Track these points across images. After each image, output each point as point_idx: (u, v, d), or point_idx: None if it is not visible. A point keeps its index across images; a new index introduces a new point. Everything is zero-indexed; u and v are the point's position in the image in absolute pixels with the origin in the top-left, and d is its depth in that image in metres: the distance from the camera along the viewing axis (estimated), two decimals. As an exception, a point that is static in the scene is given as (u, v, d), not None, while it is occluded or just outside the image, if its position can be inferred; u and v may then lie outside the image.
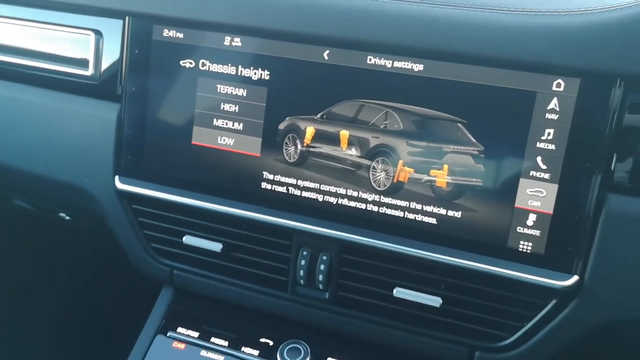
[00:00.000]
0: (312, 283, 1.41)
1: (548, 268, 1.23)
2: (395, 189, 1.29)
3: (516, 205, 1.22)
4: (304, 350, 1.44)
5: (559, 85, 1.16)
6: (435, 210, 1.27)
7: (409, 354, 1.42)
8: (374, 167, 1.30)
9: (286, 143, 1.35)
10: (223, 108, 1.38)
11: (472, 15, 1.20)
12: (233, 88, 1.37)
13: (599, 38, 1.13)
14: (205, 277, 1.52)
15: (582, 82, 1.15)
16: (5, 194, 2.01)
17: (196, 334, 1.50)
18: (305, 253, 1.39)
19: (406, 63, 1.25)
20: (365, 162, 1.31)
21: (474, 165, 1.23)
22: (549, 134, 1.18)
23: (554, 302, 1.26)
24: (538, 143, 1.19)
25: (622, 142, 1.17)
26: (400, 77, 1.25)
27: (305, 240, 1.39)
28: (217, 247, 1.45)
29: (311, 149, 1.34)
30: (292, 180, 1.36)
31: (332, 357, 1.45)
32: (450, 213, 1.26)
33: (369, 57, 1.27)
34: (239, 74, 1.36)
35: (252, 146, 1.38)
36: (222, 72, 1.37)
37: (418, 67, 1.24)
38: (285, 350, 1.44)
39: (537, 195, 1.21)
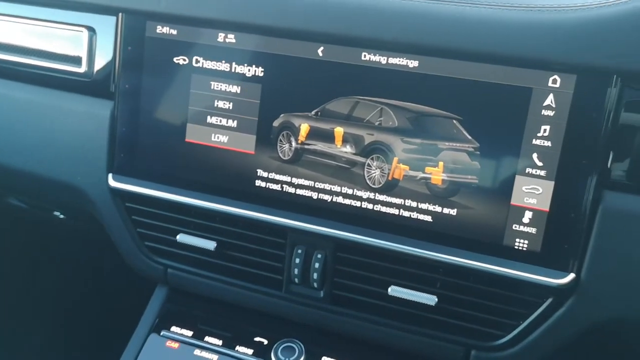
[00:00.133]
0: (306, 281, 1.40)
1: (544, 266, 1.22)
2: (390, 187, 1.28)
3: (512, 202, 1.21)
4: (298, 349, 1.43)
5: (555, 81, 1.15)
6: (431, 207, 1.26)
7: (404, 353, 1.42)
8: (368, 165, 1.29)
9: (280, 140, 1.34)
10: (217, 105, 1.37)
11: (468, 11, 1.19)
12: (227, 85, 1.36)
13: (596, 34, 1.12)
14: (199, 275, 1.51)
15: (578, 78, 1.14)
16: (-2, 192, 2.00)
17: (190, 333, 1.49)
18: (299, 251, 1.38)
19: (401, 59, 1.24)
20: (360, 159, 1.30)
21: (469, 162, 1.22)
22: (545, 130, 1.17)
23: (550, 300, 1.25)
24: (534, 140, 1.18)
25: (619, 139, 1.16)
26: (395, 74, 1.24)
27: (299, 239, 1.38)
28: (211, 245, 1.44)
29: (306, 146, 1.33)
30: (287, 178, 1.35)
31: (327, 356, 1.44)
32: (446, 211, 1.25)
33: (363, 54, 1.26)
34: (233, 70, 1.35)
35: (246, 143, 1.37)
36: (215, 69, 1.36)
37: (413, 64, 1.23)
38: (280, 349, 1.43)
39: (533, 193, 1.20)
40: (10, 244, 2.19)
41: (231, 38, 1.34)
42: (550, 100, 1.16)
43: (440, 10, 1.21)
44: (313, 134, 1.32)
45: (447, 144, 1.23)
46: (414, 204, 1.27)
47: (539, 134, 1.17)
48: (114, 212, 1.53)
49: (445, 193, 1.25)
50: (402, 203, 1.28)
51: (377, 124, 1.27)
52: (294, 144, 1.33)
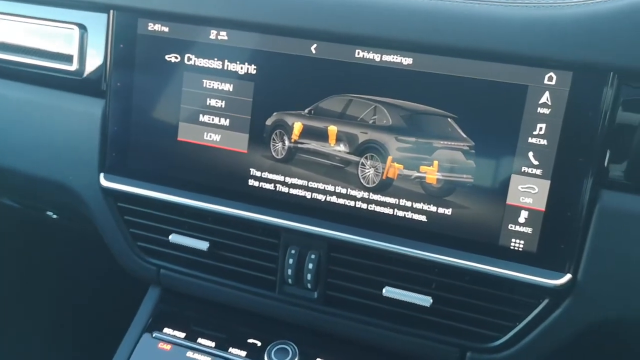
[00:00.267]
0: (300, 282, 1.38)
1: (540, 266, 1.20)
2: (384, 186, 1.27)
3: (508, 202, 1.20)
4: (292, 351, 1.42)
5: (550, 78, 1.14)
6: (426, 207, 1.25)
7: (399, 355, 1.40)
8: (362, 164, 1.28)
9: (273, 139, 1.32)
10: (209, 104, 1.36)
11: (462, 8, 1.18)
12: (219, 83, 1.35)
13: (592, 30, 1.11)
14: (192, 276, 1.50)
15: (574, 75, 1.13)
16: (-10, 191, 1.99)
17: (182, 335, 1.48)
18: (293, 252, 1.37)
19: (395, 57, 1.22)
20: (354, 158, 1.28)
21: (464, 161, 1.20)
22: (540, 129, 1.15)
23: (546, 301, 1.23)
24: (530, 138, 1.16)
25: (616, 137, 1.14)
26: (389, 71, 1.23)
27: (293, 239, 1.37)
28: (203, 245, 1.43)
29: (299, 145, 1.31)
30: (280, 177, 1.33)
31: (321, 358, 1.43)
32: (441, 210, 1.24)
33: (357, 51, 1.24)
34: (225, 68, 1.34)
35: (239, 142, 1.35)
36: (208, 67, 1.35)
37: (407, 61, 1.21)
38: (273, 351, 1.42)
39: (529, 192, 1.18)
40: (3, 243, 2.18)
41: (223, 35, 1.33)
42: (546, 97, 1.14)
43: (434, 7, 1.19)
44: (306, 133, 1.30)
45: (441, 142, 1.21)
46: (408, 204, 1.26)
47: (534, 132, 1.16)
48: (106, 212, 1.52)
49: (440, 192, 1.23)
50: (397, 202, 1.26)
51: (371, 122, 1.25)
52: (287, 142, 1.32)
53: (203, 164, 1.39)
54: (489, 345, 1.30)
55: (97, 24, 1.46)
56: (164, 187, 1.43)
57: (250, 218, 1.37)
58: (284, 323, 1.47)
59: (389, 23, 1.21)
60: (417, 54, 1.21)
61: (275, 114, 1.31)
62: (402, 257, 1.28)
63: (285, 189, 1.34)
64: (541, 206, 1.18)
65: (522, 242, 1.20)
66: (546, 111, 1.14)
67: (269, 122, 1.32)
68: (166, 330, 1.49)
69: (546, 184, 1.17)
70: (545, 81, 1.14)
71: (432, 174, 1.23)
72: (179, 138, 1.39)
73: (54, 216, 2.00)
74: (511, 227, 1.20)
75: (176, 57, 1.37)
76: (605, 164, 1.15)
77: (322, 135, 1.29)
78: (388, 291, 1.31)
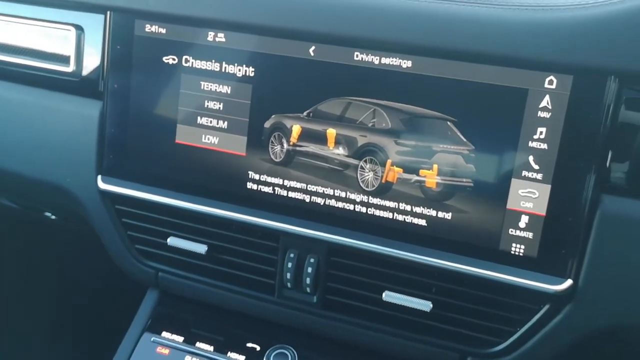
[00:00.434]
0: (299, 286, 1.37)
1: (541, 272, 1.19)
2: (383, 190, 1.26)
3: (508, 206, 1.18)
4: (291, 356, 1.42)
5: (551, 82, 1.12)
6: (425, 211, 1.24)
7: None
8: (361, 167, 1.26)
9: (272, 142, 1.31)
10: (207, 106, 1.35)
11: (462, 10, 1.16)
12: (217, 85, 1.33)
13: (592, 33, 1.09)
14: (190, 279, 1.49)
15: (575, 79, 1.11)
16: (-13, 192, 1.98)
17: (181, 339, 1.47)
18: (292, 255, 1.36)
19: (394, 59, 1.21)
20: (353, 161, 1.27)
21: (464, 165, 1.19)
22: (541, 132, 1.14)
23: (547, 306, 1.22)
24: (530, 142, 1.15)
25: (617, 142, 1.13)
26: (388, 74, 1.22)
27: (292, 242, 1.36)
28: (202, 249, 1.42)
29: (297, 148, 1.30)
30: (279, 180, 1.32)
31: (320, 363, 1.42)
32: (441, 214, 1.23)
33: (356, 53, 1.23)
34: (223, 70, 1.32)
35: (237, 145, 1.34)
36: (205, 69, 1.34)
37: (406, 64, 1.20)
38: (272, 356, 1.42)
39: (529, 197, 1.17)
40: (2, 243, 2.17)
41: (221, 37, 1.32)
42: (546, 101, 1.13)
43: (434, 9, 1.18)
44: (305, 136, 1.29)
45: (441, 146, 1.20)
46: (408, 208, 1.25)
47: (535, 137, 1.14)
48: (104, 214, 1.51)
49: (439, 196, 1.22)
50: (396, 206, 1.25)
51: (370, 125, 1.24)
52: (285, 145, 1.31)
53: (201, 167, 1.38)
54: (489, 350, 1.29)
55: (94, 25, 1.45)
56: (161, 190, 1.42)
57: (248, 221, 1.36)
58: (282, 327, 1.46)
59: (388, 25, 1.20)
60: (416, 57, 1.20)
61: (273, 116, 1.30)
62: (401, 262, 1.27)
63: (284, 192, 1.33)
64: (542, 211, 1.17)
65: (522, 247, 1.19)
66: (546, 115, 1.13)
67: (267, 124, 1.31)
68: (164, 334, 1.49)
69: (547, 188, 1.16)
70: (546, 85, 1.12)
71: (431, 177, 1.22)
72: (177, 140, 1.38)
73: (52, 217, 2.00)
74: (512, 231, 1.19)
75: (174, 59, 1.36)
76: (607, 168, 1.14)
77: (321, 138, 1.28)
78: (388, 296, 1.30)
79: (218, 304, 1.50)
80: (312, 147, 1.29)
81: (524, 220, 1.18)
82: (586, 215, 1.15)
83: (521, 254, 1.19)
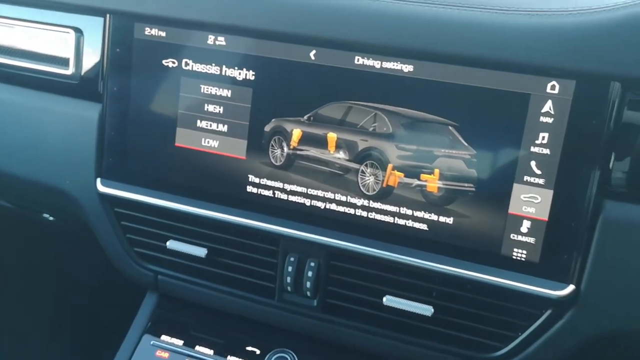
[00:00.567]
0: (299, 290, 1.37)
1: (543, 277, 1.19)
2: (384, 194, 1.25)
3: (510, 211, 1.18)
4: (291, 359, 1.40)
5: (553, 87, 1.12)
6: (427, 216, 1.23)
7: (399, 364, 1.39)
8: (362, 171, 1.26)
9: (272, 145, 1.31)
10: (207, 109, 1.34)
11: (464, 15, 1.16)
12: (217, 88, 1.33)
13: (595, 39, 1.09)
14: (190, 282, 1.49)
15: (577, 84, 1.11)
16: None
17: (180, 342, 1.47)
18: (292, 259, 1.35)
19: (395, 64, 1.20)
20: (354, 165, 1.26)
21: (466, 169, 1.19)
22: (543, 137, 1.14)
23: (549, 312, 1.22)
24: (532, 147, 1.14)
25: (619, 147, 1.13)
26: (390, 78, 1.21)
27: (292, 246, 1.35)
28: (201, 252, 1.41)
29: (298, 152, 1.30)
30: (279, 184, 1.32)
31: (320, 367, 1.42)
32: (442, 219, 1.22)
33: (356, 58, 1.22)
34: (223, 74, 1.32)
35: (237, 148, 1.34)
36: (205, 72, 1.33)
37: (408, 68, 1.20)
38: (273, 359, 1.41)
39: (531, 202, 1.16)
40: (2, 243, 2.16)
41: (221, 40, 1.31)
42: (548, 106, 1.12)
43: (435, 14, 1.17)
44: (305, 140, 1.29)
45: (442, 150, 1.20)
46: (409, 212, 1.24)
47: (537, 142, 1.14)
48: (103, 217, 1.50)
49: (441, 201, 1.22)
50: (397, 211, 1.25)
51: (371, 129, 1.24)
52: (286, 149, 1.30)
53: (201, 170, 1.37)
54: (490, 355, 1.28)
55: (94, 28, 1.44)
56: (161, 193, 1.42)
57: (248, 225, 1.35)
58: (283, 331, 1.46)
59: (389, 30, 1.20)
60: (417, 61, 1.19)
61: (274, 120, 1.30)
62: (402, 266, 1.27)
63: (284, 196, 1.32)
64: (544, 216, 1.16)
65: (524, 252, 1.19)
66: (549, 120, 1.13)
67: (267, 128, 1.31)
68: (164, 337, 1.48)
69: (549, 193, 1.15)
70: (548, 90, 1.12)
71: (433, 182, 1.22)
72: (177, 144, 1.38)
73: (50, 218, 1.99)
74: (513, 236, 1.19)
75: (173, 62, 1.35)
76: (609, 173, 1.14)
77: (322, 142, 1.28)
78: (388, 300, 1.29)
79: (218, 308, 1.50)
80: (312, 151, 1.29)
81: (526, 225, 1.18)
82: (588, 220, 1.15)
83: (523, 259, 1.19)
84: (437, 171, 1.21)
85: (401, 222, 1.25)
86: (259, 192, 1.34)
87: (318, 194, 1.30)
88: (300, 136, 1.29)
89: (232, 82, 1.32)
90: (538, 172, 1.15)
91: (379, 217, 1.27)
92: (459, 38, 1.16)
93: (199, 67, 1.34)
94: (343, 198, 1.28)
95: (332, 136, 1.27)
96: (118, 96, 1.41)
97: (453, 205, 1.21)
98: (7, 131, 1.56)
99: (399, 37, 1.19)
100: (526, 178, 1.16)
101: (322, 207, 1.30)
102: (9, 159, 1.58)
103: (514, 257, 1.19)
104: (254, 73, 1.30)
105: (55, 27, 1.48)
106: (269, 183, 1.32)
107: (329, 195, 1.29)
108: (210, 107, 1.34)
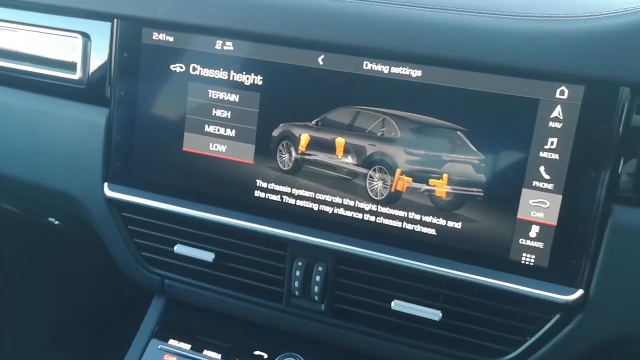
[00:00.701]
0: (307, 294, 1.37)
1: (552, 281, 1.19)
2: (393, 199, 1.25)
3: (518, 216, 1.18)
4: (299, 364, 1.41)
5: (562, 92, 1.12)
6: (435, 220, 1.23)
7: (407, 368, 1.39)
8: (370, 176, 1.26)
9: (280, 150, 1.31)
10: (215, 114, 1.34)
11: (473, 20, 1.16)
12: (225, 93, 1.33)
13: (604, 44, 1.09)
14: (197, 287, 1.49)
15: (586, 89, 1.11)
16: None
17: (188, 347, 1.47)
18: (300, 263, 1.35)
19: (404, 69, 1.20)
20: (362, 170, 1.27)
21: (474, 174, 1.19)
22: (552, 143, 1.14)
23: (557, 316, 1.22)
24: (541, 152, 1.15)
25: (628, 152, 1.13)
26: (398, 84, 1.21)
27: (300, 251, 1.35)
28: (209, 256, 1.41)
29: (306, 157, 1.30)
30: (287, 189, 1.32)
31: (328, 371, 1.42)
32: (450, 224, 1.22)
33: (365, 63, 1.23)
34: (231, 78, 1.32)
35: (245, 153, 1.34)
36: (213, 77, 1.33)
37: (416, 73, 1.20)
38: (280, 364, 1.42)
39: (540, 206, 1.17)
40: (4, 244, 2.16)
41: (229, 45, 1.31)
42: (557, 112, 1.13)
43: (444, 19, 1.17)
44: (313, 144, 1.29)
45: (451, 155, 1.20)
46: (417, 217, 1.24)
47: (546, 147, 1.14)
48: (110, 221, 1.50)
49: (449, 206, 1.22)
50: (405, 215, 1.25)
51: (379, 134, 1.24)
52: (294, 154, 1.30)
53: (208, 175, 1.37)
54: (499, 359, 1.28)
55: (101, 33, 1.44)
56: (168, 198, 1.42)
57: (256, 229, 1.36)
58: (290, 335, 1.46)
59: (398, 35, 1.20)
60: (426, 66, 1.19)
61: (281, 125, 1.30)
62: (411, 271, 1.27)
63: (292, 201, 1.32)
64: (553, 221, 1.16)
65: (533, 256, 1.19)
66: (558, 125, 1.13)
67: (275, 133, 1.31)
68: (171, 341, 1.48)
69: (558, 198, 1.15)
70: (557, 95, 1.12)
71: (441, 187, 1.22)
72: (184, 148, 1.38)
73: (56, 222, 1.99)
74: (522, 241, 1.19)
75: (181, 67, 1.35)
76: (618, 178, 1.14)
77: (330, 147, 1.28)
78: (397, 304, 1.29)
79: (225, 312, 1.50)
80: (320, 156, 1.29)
81: (534, 230, 1.18)
82: (597, 225, 1.15)
83: (532, 264, 1.19)
84: (445, 176, 1.21)
85: (409, 226, 1.25)
86: (266, 197, 1.34)
87: (326, 199, 1.30)
88: (308, 141, 1.29)
89: (240, 87, 1.32)
90: (547, 177, 1.15)
91: (387, 221, 1.27)
92: (468, 43, 1.16)
93: (206, 72, 1.34)
94: (351, 203, 1.28)
95: (340, 141, 1.27)
96: (125, 101, 1.41)
97: (461, 210, 1.21)
98: (14, 135, 1.56)
99: (407, 42, 1.19)
100: (535, 183, 1.16)
101: (330, 212, 1.30)
102: (16, 163, 1.58)
103: (523, 262, 1.20)
104: (261, 78, 1.30)
105: (62, 32, 1.48)
106: (277, 188, 1.33)
107: (337, 199, 1.29)
108: (218, 112, 1.34)
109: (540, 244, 1.18)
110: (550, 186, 1.15)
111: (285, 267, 1.37)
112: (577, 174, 1.14)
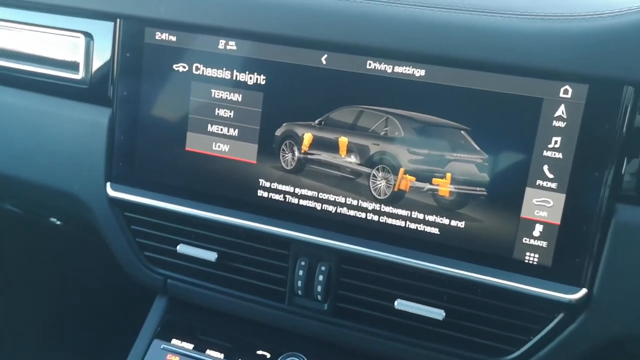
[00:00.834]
0: (310, 294, 1.37)
1: (555, 281, 1.19)
2: (396, 198, 1.25)
3: (522, 215, 1.18)
4: (302, 363, 1.41)
5: (566, 91, 1.12)
6: (438, 220, 1.23)
7: (411, 368, 1.39)
8: (374, 175, 1.26)
9: (283, 150, 1.31)
10: (218, 113, 1.34)
11: (476, 19, 1.16)
12: (228, 93, 1.33)
13: (608, 43, 1.09)
14: (200, 286, 1.49)
15: (590, 88, 1.11)
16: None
17: (191, 346, 1.47)
18: (303, 263, 1.35)
19: (407, 68, 1.20)
20: (365, 169, 1.27)
21: (478, 173, 1.19)
22: (556, 142, 1.14)
23: (561, 315, 1.22)
24: (545, 151, 1.15)
25: (632, 151, 1.13)
26: (401, 83, 1.21)
27: (303, 250, 1.35)
28: (212, 256, 1.41)
29: (309, 156, 1.30)
30: (290, 188, 1.32)
31: (331, 370, 1.42)
32: (454, 223, 1.22)
33: (368, 62, 1.22)
34: (234, 78, 1.32)
35: (248, 153, 1.34)
36: (216, 77, 1.33)
37: (419, 73, 1.20)
38: (283, 363, 1.42)
39: (543, 205, 1.17)
40: (7, 249, 2.16)
41: (232, 45, 1.31)
42: (561, 111, 1.13)
43: (447, 18, 1.17)
44: (316, 144, 1.29)
45: (454, 155, 1.20)
46: (420, 216, 1.24)
47: (549, 146, 1.14)
48: (113, 221, 1.50)
49: (453, 205, 1.22)
50: (409, 215, 1.25)
51: (382, 133, 1.24)
52: (297, 153, 1.30)
53: (211, 174, 1.37)
54: (502, 358, 1.28)
55: (104, 33, 1.44)
56: (171, 197, 1.42)
57: (259, 229, 1.35)
58: (293, 334, 1.46)
59: (401, 34, 1.20)
60: (429, 66, 1.19)
61: (284, 124, 1.30)
62: (414, 270, 1.27)
63: (295, 200, 1.32)
64: (556, 220, 1.16)
65: (536, 255, 1.19)
66: (561, 124, 1.13)
67: (278, 132, 1.31)
68: (174, 341, 1.48)
69: (561, 197, 1.15)
70: (561, 94, 1.12)
71: (444, 186, 1.22)
72: (187, 148, 1.38)
73: (57, 222, 1.99)
74: (525, 240, 1.19)
75: (184, 67, 1.35)
76: (621, 177, 1.14)
77: (333, 147, 1.28)
78: (400, 304, 1.29)
79: (227, 311, 1.50)
80: (323, 155, 1.29)
81: (538, 229, 1.18)
82: (601, 224, 1.15)
83: (535, 263, 1.19)
84: (449, 175, 1.21)
85: (413, 226, 1.25)
86: (269, 196, 1.34)
87: (329, 198, 1.30)
88: (311, 140, 1.29)
89: (243, 86, 1.32)
90: (550, 176, 1.15)
91: (390, 221, 1.27)
92: (471, 42, 1.16)
93: (209, 72, 1.34)
94: (354, 202, 1.28)
95: (343, 140, 1.27)
96: (128, 101, 1.41)
97: (465, 209, 1.21)
98: (17, 135, 1.56)
99: (411, 41, 1.19)
100: (538, 182, 1.16)
101: (333, 211, 1.30)
102: (19, 163, 1.58)
103: (526, 261, 1.20)
104: (264, 77, 1.30)
105: (65, 32, 1.48)
106: (280, 187, 1.33)
107: (340, 199, 1.29)
108: (221, 112, 1.34)
109: (543, 243, 1.18)
110: (553, 185, 1.15)
111: (288, 267, 1.37)
112: (581, 173, 1.14)
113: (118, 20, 1.41)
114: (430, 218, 1.24)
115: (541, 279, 1.19)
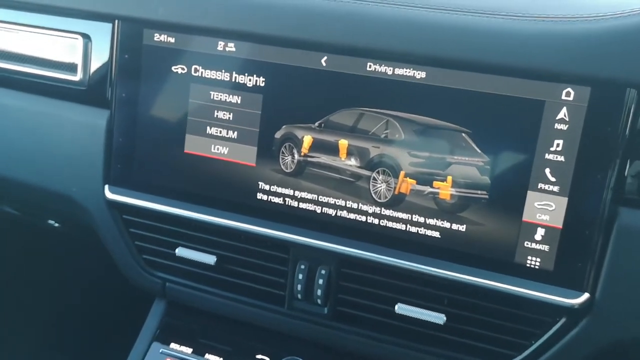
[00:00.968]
0: (310, 298, 1.36)
1: (557, 285, 1.18)
2: (396, 201, 1.24)
3: (524, 219, 1.17)
4: (301, 367, 1.40)
5: (568, 94, 1.11)
6: (439, 223, 1.23)
7: (411, 372, 1.38)
8: (374, 178, 1.25)
9: (283, 152, 1.30)
10: (217, 115, 1.34)
11: (478, 21, 1.15)
12: (227, 95, 1.32)
13: (610, 45, 1.08)
14: (199, 290, 1.48)
15: (592, 91, 1.10)
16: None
17: (189, 350, 1.46)
18: (302, 267, 1.34)
19: (408, 70, 1.20)
20: (365, 172, 1.26)
21: (479, 176, 1.18)
22: (558, 145, 1.13)
23: (563, 320, 1.21)
24: (546, 154, 1.14)
25: (635, 154, 1.12)
26: (402, 85, 1.20)
27: (302, 254, 1.34)
28: (211, 259, 1.41)
29: (309, 159, 1.29)
30: (289, 191, 1.31)
31: (331, 375, 1.41)
32: (455, 226, 1.22)
33: (368, 64, 1.22)
34: (233, 80, 1.31)
35: (247, 155, 1.33)
36: (215, 79, 1.32)
37: (420, 75, 1.19)
38: (283, 367, 1.41)
39: (545, 209, 1.16)
40: (5, 251, 2.15)
41: (231, 47, 1.30)
42: (563, 113, 1.12)
43: (448, 20, 1.17)
44: (316, 146, 1.28)
45: (455, 157, 1.19)
46: (421, 220, 1.23)
47: (551, 149, 1.13)
48: (111, 224, 1.49)
49: (454, 208, 1.21)
50: (409, 218, 1.24)
51: (383, 136, 1.23)
52: (296, 156, 1.29)
53: (210, 177, 1.36)
54: (504, 363, 1.28)
55: (102, 34, 1.43)
56: (170, 200, 1.41)
57: (258, 232, 1.35)
58: (293, 338, 1.45)
59: (402, 36, 1.19)
60: (430, 68, 1.18)
61: (284, 127, 1.29)
62: (415, 274, 1.26)
63: (294, 203, 1.31)
64: (558, 223, 1.15)
65: (538, 259, 1.18)
66: (563, 127, 1.12)
67: (278, 135, 1.30)
68: (173, 345, 1.48)
69: (563, 201, 1.14)
70: (563, 97, 1.11)
71: (445, 189, 1.21)
72: (186, 150, 1.37)
73: (56, 225, 1.98)
74: (527, 244, 1.18)
75: (183, 68, 1.34)
76: (624, 180, 1.13)
77: (333, 149, 1.27)
78: (400, 308, 1.29)
79: (227, 315, 1.49)
80: (323, 158, 1.28)
81: (540, 233, 1.17)
82: (603, 228, 1.14)
83: (537, 267, 1.18)
84: (449, 178, 1.20)
85: (413, 229, 1.24)
86: (269, 199, 1.33)
87: (329, 201, 1.29)
88: (311, 143, 1.28)
89: (242, 88, 1.31)
90: (552, 179, 1.14)
91: (390, 224, 1.26)
92: (472, 44, 1.15)
93: (208, 74, 1.33)
94: (354, 205, 1.27)
95: (343, 143, 1.26)
96: (126, 102, 1.41)
97: (466, 212, 1.20)
98: (14, 137, 1.56)
99: (411, 43, 1.18)
100: (540, 185, 1.15)
101: (333, 215, 1.29)
102: (16, 165, 1.57)
103: (528, 265, 1.19)
104: (264, 79, 1.29)
105: (63, 33, 1.47)
106: (280, 190, 1.32)
107: (340, 202, 1.28)
108: (220, 114, 1.33)
109: (545, 247, 1.17)
110: (555, 188, 1.14)
111: (288, 270, 1.37)
112: (583, 176, 1.13)
113: (116, 21, 1.40)
114: (431, 221, 1.23)
115: (543, 283, 1.18)
